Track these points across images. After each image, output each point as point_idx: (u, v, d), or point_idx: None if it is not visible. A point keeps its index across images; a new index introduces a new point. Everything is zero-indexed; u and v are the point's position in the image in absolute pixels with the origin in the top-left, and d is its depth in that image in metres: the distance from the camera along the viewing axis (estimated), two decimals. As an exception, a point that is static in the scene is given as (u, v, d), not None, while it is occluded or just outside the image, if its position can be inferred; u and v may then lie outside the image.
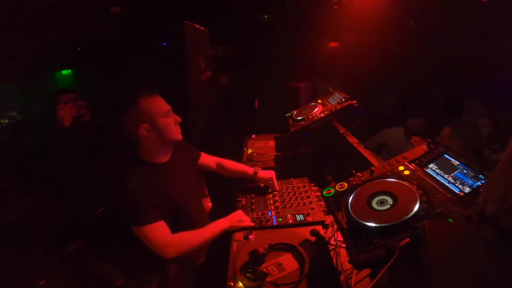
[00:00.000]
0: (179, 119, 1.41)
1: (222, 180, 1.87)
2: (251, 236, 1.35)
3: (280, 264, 1.17)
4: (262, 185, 1.78)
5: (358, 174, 1.24)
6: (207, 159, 1.80)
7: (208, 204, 2.18)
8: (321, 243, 1.28)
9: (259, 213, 1.52)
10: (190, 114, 3.48)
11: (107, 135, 1.96)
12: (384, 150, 2.99)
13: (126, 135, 1.34)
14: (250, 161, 2.21)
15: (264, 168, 1.82)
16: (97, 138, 1.97)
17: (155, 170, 1.37)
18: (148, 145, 1.36)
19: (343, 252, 1.24)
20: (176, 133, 1.40)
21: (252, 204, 1.61)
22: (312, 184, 1.77)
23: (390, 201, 1.00)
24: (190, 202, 1.50)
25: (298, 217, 1.45)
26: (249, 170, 1.76)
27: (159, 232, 1.28)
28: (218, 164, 1.82)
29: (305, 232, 1.34)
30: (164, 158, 1.43)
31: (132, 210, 1.25)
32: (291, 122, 2.30)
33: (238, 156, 2.34)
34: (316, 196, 1.63)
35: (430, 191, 0.99)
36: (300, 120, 2.19)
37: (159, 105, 1.34)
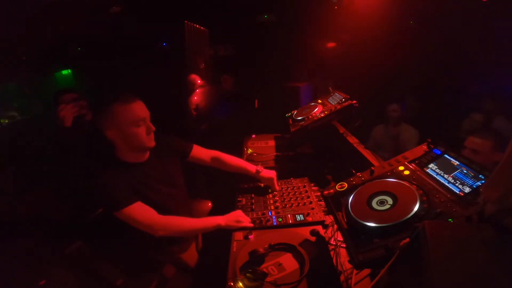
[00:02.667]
0: (153, 128, 1.38)
1: (222, 180, 1.87)
2: (251, 236, 1.35)
3: (280, 264, 1.17)
4: (262, 185, 1.78)
5: (358, 174, 1.24)
6: (201, 152, 1.74)
7: (208, 204, 2.18)
8: (321, 243, 1.28)
9: (259, 213, 1.52)
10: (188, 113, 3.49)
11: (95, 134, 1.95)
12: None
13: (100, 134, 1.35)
14: (250, 161, 2.20)
15: (266, 168, 1.82)
16: (98, 138, 1.96)
17: (130, 169, 1.38)
18: (118, 146, 1.37)
19: (343, 252, 1.24)
20: (146, 141, 1.37)
21: (252, 204, 1.61)
22: (312, 184, 1.77)
23: (390, 201, 1.00)
24: (171, 201, 1.49)
25: (298, 217, 1.45)
26: (251, 167, 1.74)
27: (142, 210, 1.30)
28: (215, 158, 1.77)
29: (305, 232, 1.34)
30: (140, 158, 1.44)
31: (109, 197, 1.27)
32: (291, 122, 2.30)
33: (238, 156, 2.34)
34: (316, 196, 1.63)
35: (430, 191, 0.99)
36: (300, 120, 2.19)
37: (132, 112, 1.31)
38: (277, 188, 1.73)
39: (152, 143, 1.40)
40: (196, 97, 3.48)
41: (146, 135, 1.36)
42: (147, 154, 1.47)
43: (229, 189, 1.87)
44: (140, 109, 1.35)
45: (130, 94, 1.34)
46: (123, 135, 1.32)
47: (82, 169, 1.88)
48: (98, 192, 1.30)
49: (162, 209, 1.38)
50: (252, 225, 1.43)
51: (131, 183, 1.34)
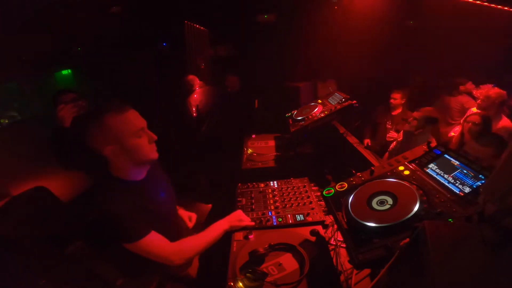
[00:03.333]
0: (155, 137, 1.25)
1: (222, 180, 1.87)
2: (251, 236, 1.35)
3: (280, 264, 1.18)
4: (263, 185, 1.77)
5: (358, 174, 1.24)
6: None
7: (207, 205, 2.18)
8: (321, 243, 1.28)
9: (259, 213, 1.53)
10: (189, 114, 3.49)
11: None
12: None
13: (93, 152, 1.19)
14: (250, 161, 2.21)
15: (264, 168, 1.81)
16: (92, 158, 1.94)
17: (132, 188, 1.25)
18: (118, 164, 1.22)
19: (343, 252, 1.24)
20: (150, 152, 1.24)
21: (252, 204, 1.61)
22: (312, 184, 1.77)
23: (390, 201, 1.00)
24: (171, 215, 1.45)
25: (298, 217, 1.45)
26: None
27: (156, 242, 1.20)
28: None
29: (305, 232, 1.34)
30: (140, 176, 1.30)
31: (121, 228, 1.15)
32: (291, 122, 2.30)
33: (238, 156, 2.34)
34: (316, 196, 1.63)
35: (430, 191, 0.99)
36: (300, 120, 2.19)
37: (130, 123, 1.18)
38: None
39: (156, 155, 1.27)
40: (196, 96, 3.47)
41: (148, 145, 1.23)
42: (146, 171, 1.33)
43: (229, 189, 1.88)
44: (136, 118, 1.21)
45: (121, 102, 1.21)
46: (125, 150, 1.17)
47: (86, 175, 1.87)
48: (106, 221, 1.14)
49: (166, 221, 1.35)
50: (253, 223, 1.43)
51: (137, 203, 1.22)
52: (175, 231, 1.40)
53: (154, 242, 1.20)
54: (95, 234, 1.41)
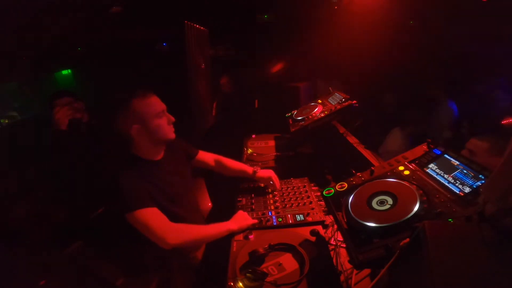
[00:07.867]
0: (173, 119, 1.42)
1: (222, 180, 1.87)
2: (251, 236, 1.35)
3: (280, 264, 1.17)
4: (262, 185, 1.78)
5: (358, 174, 1.24)
6: (205, 157, 1.79)
7: (208, 204, 2.18)
8: (321, 243, 1.28)
9: (259, 213, 1.52)
10: (189, 113, 3.49)
11: (104, 135, 1.95)
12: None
13: (119, 134, 1.37)
14: (250, 161, 2.21)
15: (264, 168, 1.82)
16: (94, 139, 1.96)
17: (148, 166, 1.40)
18: (140, 143, 1.39)
19: (343, 252, 1.24)
20: (169, 132, 1.42)
21: (252, 204, 1.61)
22: (312, 184, 1.76)
23: (390, 201, 1.00)
24: (183, 199, 1.50)
25: (298, 217, 1.45)
26: (249, 169, 1.76)
27: (155, 216, 1.25)
28: (217, 162, 1.82)
29: (305, 232, 1.34)
30: (157, 155, 1.46)
31: (124, 196, 1.24)
32: (291, 122, 2.30)
33: (238, 156, 2.34)
34: (316, 196, 1.63)
35: (430, 191, 0.99)
36: (300, 120, 2.19)
37: (153, 106, 1.36)
38: (278, 187, 1.72)
39: (173, 135, 1.43)
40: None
41: (167, 126, 1.40)
42: (163, 152, 1.49)
43: (229, 189, 1.87)
44: (157, 102, 1.39)
45: (146, 89, 1.37)
46: (148, 129, 1.34)
47: (89, 169, 1.89)
48: (114, 190, 1.28)
49: (177, 203, 1.41)
50: (256, 221, 1.44)
51: (148, 180, 1.34)
52: (183, 216, 1.43)
53: (154, 215, 1.26)
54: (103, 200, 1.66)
